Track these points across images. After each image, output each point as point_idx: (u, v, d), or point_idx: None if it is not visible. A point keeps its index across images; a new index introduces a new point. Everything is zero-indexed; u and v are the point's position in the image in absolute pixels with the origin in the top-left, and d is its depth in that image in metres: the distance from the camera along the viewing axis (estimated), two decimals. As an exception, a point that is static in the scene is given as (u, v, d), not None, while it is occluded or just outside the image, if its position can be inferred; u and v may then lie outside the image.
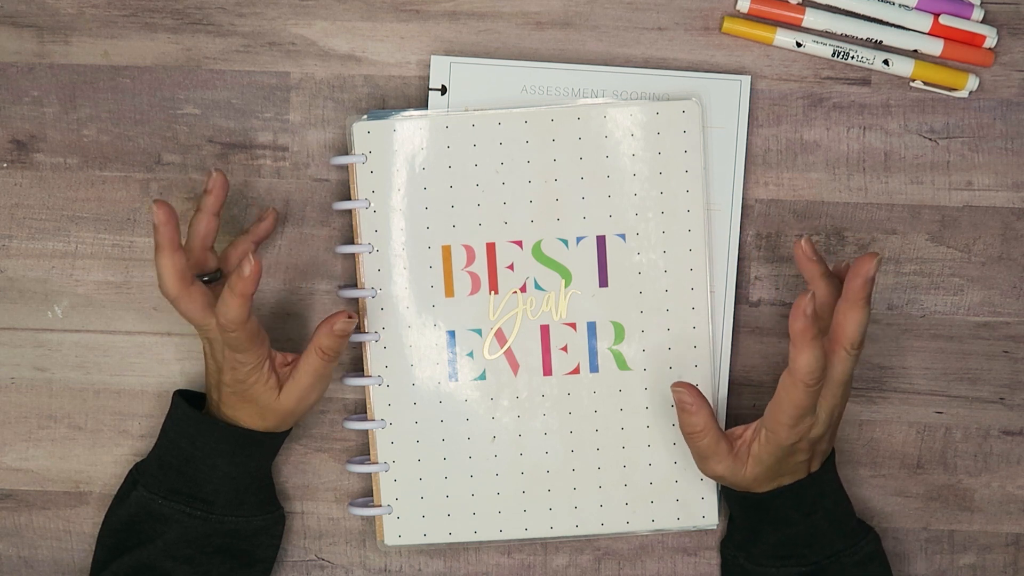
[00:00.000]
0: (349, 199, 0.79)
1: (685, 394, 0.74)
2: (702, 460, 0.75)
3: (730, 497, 0.78)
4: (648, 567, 0.83)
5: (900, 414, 0.83)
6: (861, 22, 0.80)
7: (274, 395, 0.75)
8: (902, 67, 0.80)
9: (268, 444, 0.77)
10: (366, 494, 0.83)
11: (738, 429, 0.76)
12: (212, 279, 0.77)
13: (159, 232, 0.72)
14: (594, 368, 0.79)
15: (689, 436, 0.74)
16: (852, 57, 0.80)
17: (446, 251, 0.79)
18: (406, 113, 0.79)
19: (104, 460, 0.83)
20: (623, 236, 0.79)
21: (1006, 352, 0.82)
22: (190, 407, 0.77)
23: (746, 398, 0.82)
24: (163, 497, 0.76)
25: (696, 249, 0.79)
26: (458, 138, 0.78)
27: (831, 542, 0.76)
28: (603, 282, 0.79)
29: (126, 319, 0.83)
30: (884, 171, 0.81)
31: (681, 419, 0.74)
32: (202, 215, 0.76)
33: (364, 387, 0.80)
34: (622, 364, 0.80)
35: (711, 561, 0.83)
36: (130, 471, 0.79)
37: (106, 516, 0.79)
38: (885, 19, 0.80)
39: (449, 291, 0.79)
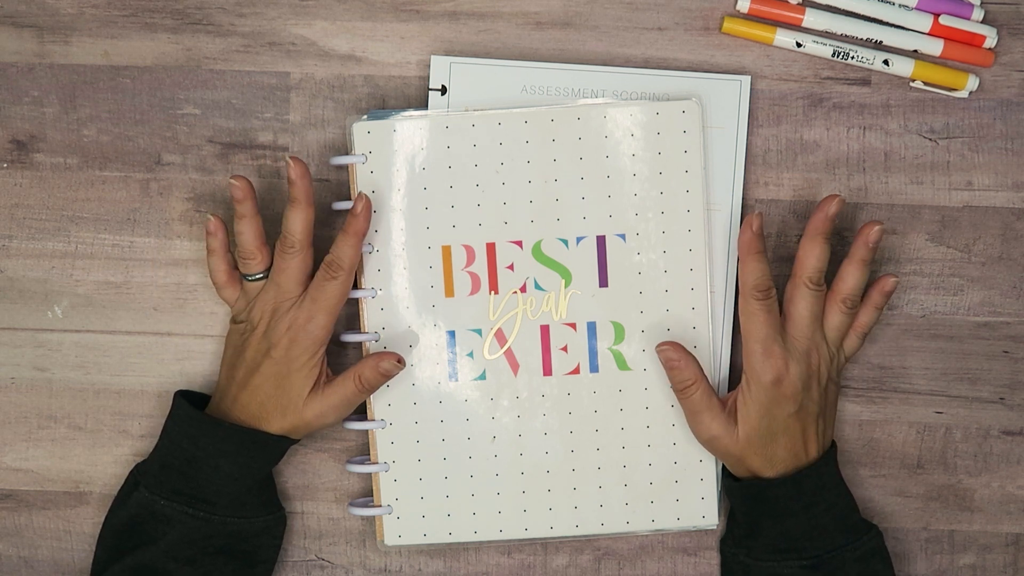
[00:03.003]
0: (349, 199, 0.79)
1: (670, 351, 0.77)
2: (696, 417, 0.77)
3: (731, 490, 0.79)
4: (648, 567, 0.83)
5: (900, 414, 0.83)
6: (861, 22, 0.80)
7: (305, 391, 0.76)
8: (902, 67, 0.80)
9: (273, 448, 0.77)
10: (366, 494, 0.83)
11: (727, 395, 0.79)
12: (260, 277, 0.77)
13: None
14: (594, 368, 0.79)
15: (681, 392, 0.77)
16: (852, 57, 0.80)
17: (446, 251, 0.79)
18: (406, 113, 0.79)
19: (104, 460, 0.83)
20: (623, 236, 0.79)
21: (1006, 352, 0.82)
22: (192, 407, 0.77)
23: (746, 398, 0.82)
24: (165, 498, 0.76)
25: (696, 249, 0.79)
26: (458, 138, 0.78)
27: (832, 537, 0.76)
28: (603, 282, 0.79)
29: (126, 319, 0.83)
30: (884, 171, 0.81)
31: (671, 377, 0.77)
32: (248, 220, 0.76)
33: (364, 387, 0.80)
34: (622, 364, 0.80)
35: (711, 561, 0.83)
36: (131, 471, 0.79)
37: (107, 517, 0.79)
38: (885, 19, 0.80)
39: (449, 291, 0.79)
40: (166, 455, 0.77)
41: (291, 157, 0.75)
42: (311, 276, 0.76)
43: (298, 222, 0.75)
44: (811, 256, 0.76)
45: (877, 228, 0.76)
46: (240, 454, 0.76)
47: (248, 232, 0.77)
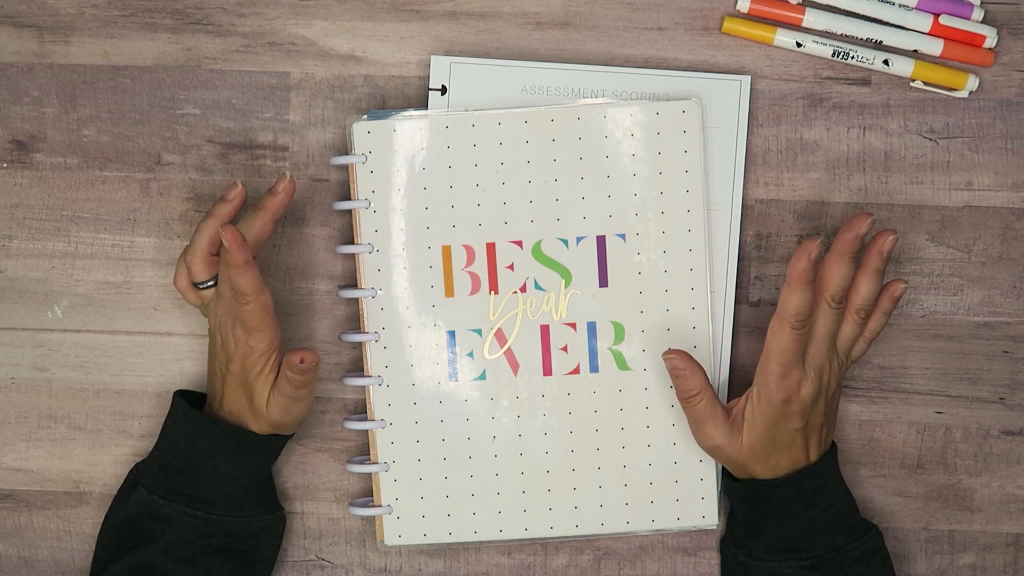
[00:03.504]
0: (349, 199, 0.79)
1: (676, 359, 0.76)
2: (700, 426, 0.76)
3: (731, 490, 0.79)
4: (648, 567, 0.83)
5: (900, 414, 0.83)
6: (861, 22, 0.80)
7: (263, 393, 0.75)
8: (902, 67, 0.80)
9: (269, 446, 0.77)
10: (366, 494, 0.83)
11: (732, 402, 0.77)
12: (211, 285, 0.77)
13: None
14: (594, 368, 0.79)
15: (686, 401, 0.76)
16: (852, 57, 0.80)
17: (446, 251, 0.79)
18: (406, 113, 0.79)
19: (104, 460, 0.83)
20: (623, 236, 0.79)
21: (1006, 352, 0.82)
22: (190, 407, 0.77)
23: (746, 398, 0.82)
24: (164, 498, 0.76)
25: (696, 249, 0.79)
26: (458, 138, 0.78)
27: (832, 537, 0.76)
28: (603, 282, 0.79)
29: (126, 319, 0.83)
30: (884, 171, 0.81)
31: (676, 385, 0.77)
32: (213, 221, 0.75)
33: (364, 387, 0.80)
34: (622, 364, 0.80)
35: (711, 561, 0.83)
36: (131, 471, 0.79)
37: (106, 516, 0.79)
38: (885, 19, 0.80)
39: (449, 291, 0.79)
40: (165, 454, 0.77)
41: (285, 177, 0.75)
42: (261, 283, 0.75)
43: (253, 230, 0.75)
44: (836, 275, 0.73)
45: (891, 238, 0.74)
46: (238, 454, 0.76)
47: (207, 234, 0.75)
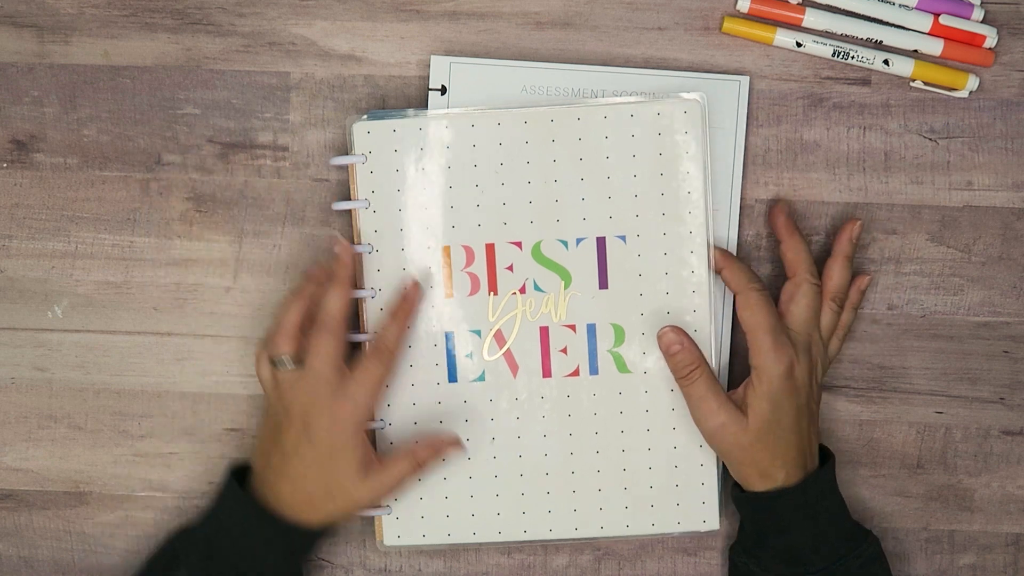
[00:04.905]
0: (349, 199, 0.79)
1: (671, 334, 0.77)
2: (700, 404, 0.75)
3: (738, 501, 0.78)
4: (648, 567, 0.83)
5: (900, 414, 0.83)
6: (861, 22, 0.80)
7: (352, 471, 0.74)
8: (902, 67, 0.80)
9: (320, 542, 0.79)
10: (366, 494, 0.83)
11: (731, 392, 0.77)
12: (292, 367, 0.75)
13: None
14: (594, 370, 0.79)
15: (683, 379, 0.76)
16: (852, 57, 0.80)
17: (446, 252, 0.79)
18: (406, 113, 0.78)
19: (104, 460, 0.83)
20: (623, 238, 0.79)
21: (1006, 352, 0.82)
22: (247, 496, 0.75)
23: (746, 398, 0.82)
24: None
25: (697, 251, 0.79)
26: (458, 138, 0.78)
27: (835, 547, 0.76)
28: (603, 284, 0.79)
29: (126, 319, 0.83)
30: (884, 171, 0.81)
31: (672, 363, 0.76)
32: (301, 300, 0.76)
33: (364, 387, 0.80)
34: (622, 366, 0.79)
35: (711, 561, 0.83)
36: (171, 540, 0.77)
37: None
38: (885, 19, 0.80)
39: (448, 292, 0.79)
40: (214, 539, 0.75)
41: (339, 240, 0.76)
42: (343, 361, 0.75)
43: (338, 302, 0.74)
44: (837, 276, 0.78)
45: (859, 224, 0.78)
46: (294, 551, 0.76)
47: (296, 313, 0.75)
